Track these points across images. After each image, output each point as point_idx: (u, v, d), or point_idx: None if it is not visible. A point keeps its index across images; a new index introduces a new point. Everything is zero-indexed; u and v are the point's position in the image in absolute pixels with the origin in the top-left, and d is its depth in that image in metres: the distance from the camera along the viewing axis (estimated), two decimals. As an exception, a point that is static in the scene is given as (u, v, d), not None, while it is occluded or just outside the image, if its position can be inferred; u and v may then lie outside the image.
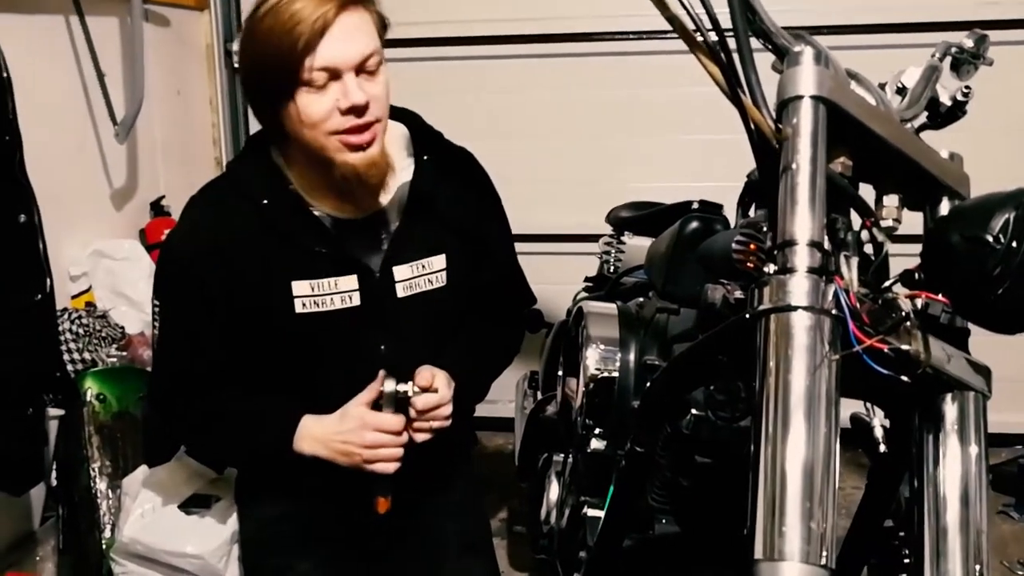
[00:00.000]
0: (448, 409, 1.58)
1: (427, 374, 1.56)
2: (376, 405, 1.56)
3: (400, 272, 1.62)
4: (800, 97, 0.98)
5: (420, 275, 1.64)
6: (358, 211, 1.59)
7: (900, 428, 1.10)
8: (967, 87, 1.26)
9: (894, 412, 1.11)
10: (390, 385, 1.54)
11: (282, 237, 1.56)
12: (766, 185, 1.01)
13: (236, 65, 3.37)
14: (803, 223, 0.93)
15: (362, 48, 1.44)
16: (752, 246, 0.98)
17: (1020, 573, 2.59)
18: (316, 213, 1.57)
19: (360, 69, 1.44)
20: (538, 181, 3.25)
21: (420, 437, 1.57)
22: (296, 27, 1.38)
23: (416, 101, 1.69)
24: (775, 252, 0.94)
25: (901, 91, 1.27)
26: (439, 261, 1.65)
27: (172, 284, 1.61)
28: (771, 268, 0.94)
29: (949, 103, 1.26)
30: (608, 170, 3.25)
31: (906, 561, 1.29)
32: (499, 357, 1.85)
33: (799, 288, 0.90)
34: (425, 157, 1.65)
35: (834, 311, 0.90)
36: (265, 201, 1.55)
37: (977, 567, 0.96)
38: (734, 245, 0.98)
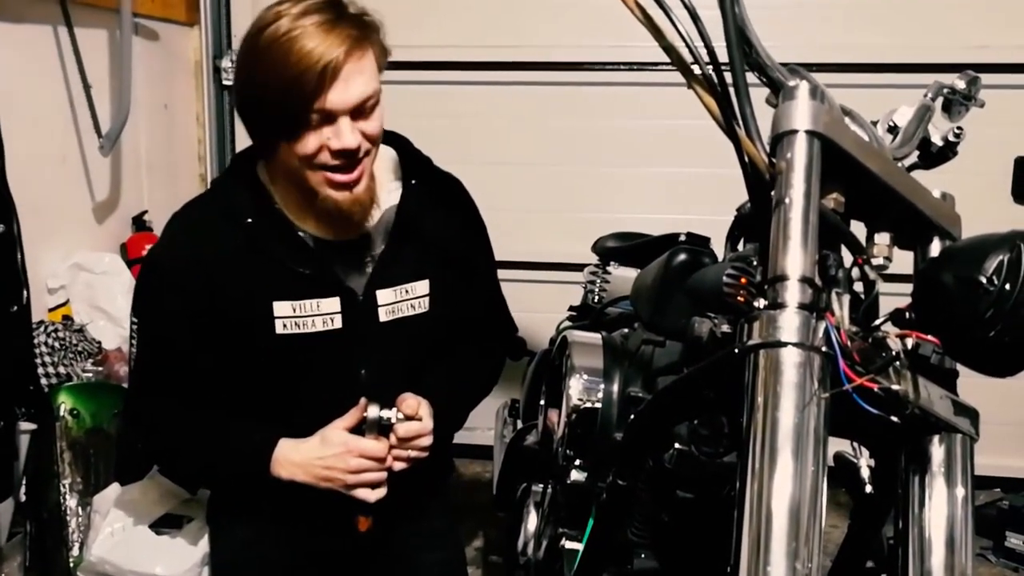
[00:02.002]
0: (429, 439, 1.56)
1: (412, 402, 1.55)
2: (357, 430, 1.54)
3: (383, 296, 1.61)
4: (795, 131, 0.98)
5: (403, 300, 1.62)
6: (343, 233, 1.58)
7: (886, 468, 1.09)
8: (959, 128, 1.26)
9: (880, 452, 1.10)
10: (374, 411, 1.53)
11: (265, 257, 1.54)
12: (758, 219, 1.01)
13: (225, 82, 3.36)
14: (795, 258, 0.92)
15: (362, 92, 1.42)
16: (743, 280, 0.96)
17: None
18: (300, 234, 1.56)
19: (357, 111, 1.43)
20: (524, 209, 3.25)
21: (398, 465, 1.56)
22: (303, 71, 1.36)
23: (403, 125, 1.68)
24: (766, 287, 0.94)
25: (892, 130, 1.27)
26: (422, 287, 1.64)
27: (151, 297, 1.59)
28: (761, 303, 0.93)
29: (940, 143, 1.26)
30: (594, 199, 3.26)
31: (888, 603, 1.28)
32: (478, 387, 1.83)
33: (790, 324, 0.89)
34: (413, 181, 1.64)
35: (824, 348, 0.89)
36: (249, 220, 1.54)
37: (961, 612, 0.95)
38: (725, 278, 0.97)
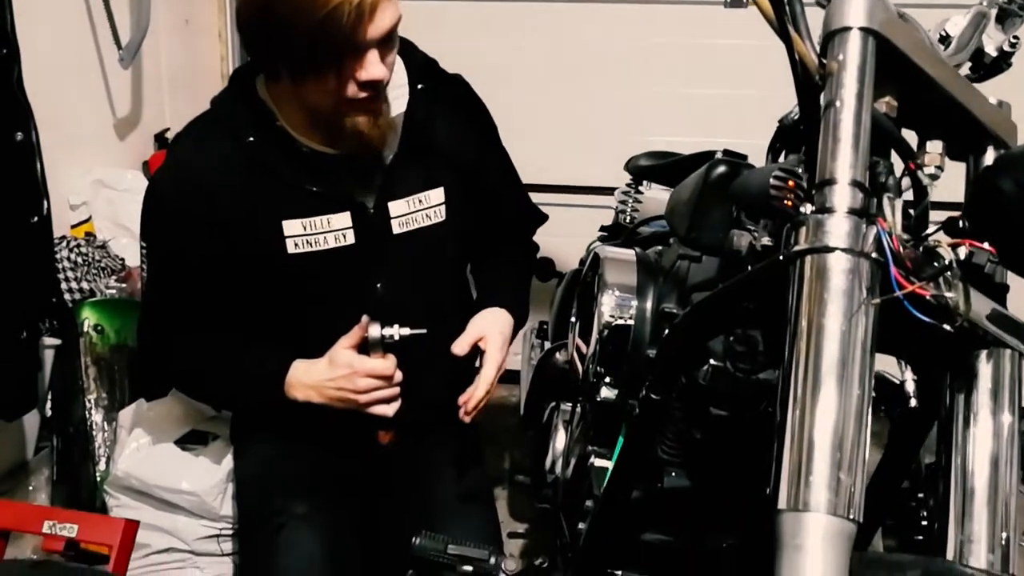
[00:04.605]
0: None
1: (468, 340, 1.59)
2: (363, 349, 1.52)
3: (396, 208, 1.58)
4: (848, 28, 0.94)
5: (417, 210, 1.59)
6: (352, 148, 1.53)
7: (929, 386, 1.06)
8: (1015, 37, 1.21)
9: (924, 368, 1.07)
10: (375, 330, 1.50)
11: (270, 175, 1.50)
12: (806, 124, 0.96)
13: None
14: (845, 161, 0.89)
15: (391, 21, 1.37)
16: (791, 183, 0.92)
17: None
18: (305, 150, 1.51)
19: (383, 40, 1.38)
20: (552, 131, 3.18)
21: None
22: (337, 6, 1.29)
23: (428, 45, 1.64)
24: (813, 192, 0.90)
25: (944, 40, 1.21)
26: (437, 195, 1.61)
27: (158, 225, 1.56)
28: (808, 208, 0.89)
29: (995, 54, 1.21)
30: (624, 122, 3.18)
31: (923, 523, 1.26)
32: (528, 273, 1.86)
33: (839, 229, 0.86)
34: (420, 86, 1.59)
35: (874, 255, 0.85)
36: (251, 139, 1.49)
37: (1004, 534, 0.92)
38: (772, 180, 0.93)
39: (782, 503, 0.78)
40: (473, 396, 1.58)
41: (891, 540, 1.30)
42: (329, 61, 1.35)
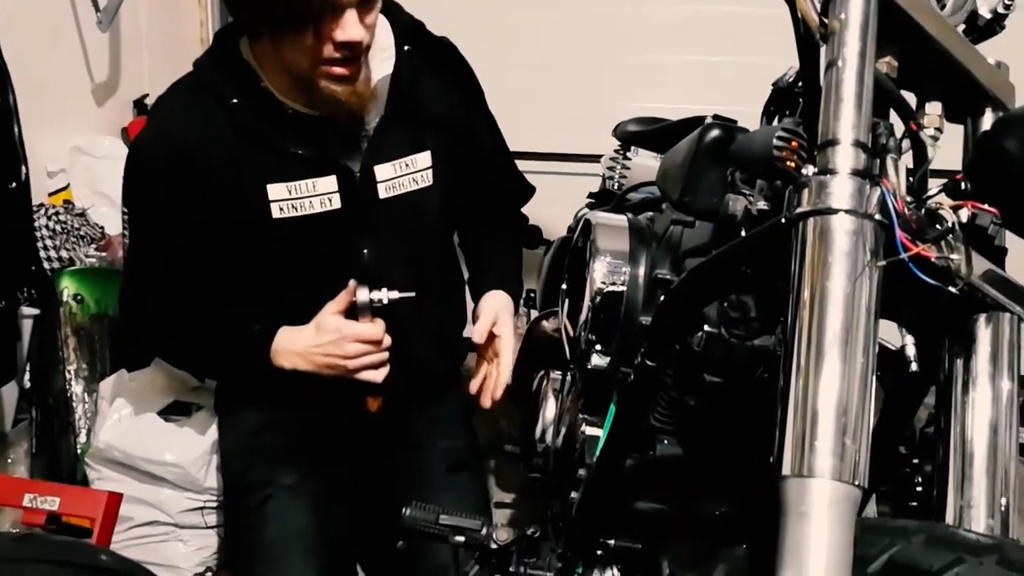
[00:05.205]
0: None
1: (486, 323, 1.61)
2: (351, 314, 1.50)
3: (382, 172, 1.55)
4: (850, -16, 0.91)
5: (404, 174, 1.57)
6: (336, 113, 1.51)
7: (927, 350, 1.05)
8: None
9: (921, 333, 1.06)
10: (363, 294, 1.49)
11: (254, 138, 1.48)
12: (807, 84, 0.95)
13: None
14: (848, 121, 0.87)
15: None
16: (794, 144, 0.90)
17: None
18: (290, 112, 1.49)
19: (363, 1, 1.35)
20: (538, 98, 3.14)
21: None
22: None
23: (414, 10, 1.63)
24: (816, 153, 0.88)
25: (939, 1, 1.20)
26: (424, 159, 1.59)
27: (140, 191, 1.54)
28: (810, 170, 0.88)
29: (988, 16, 1.19)
30: (609, 89, 3.15)
31: (918, 489, 1.25)
32: (520, 248, 1.85)
33: (842, 190, 0.84)
34: (406, 48, 1.57)
35: (878, 216, 0.84)
36: (235, 100, 1.47)
37: (1003, 500, 0.92)
38: (775, 141, 0.91)
39: (786, 469, 0.77)
40: (497, 384, 1.61)
41: (885, 506, 1.30)
42: (307, 19, 1.33)
